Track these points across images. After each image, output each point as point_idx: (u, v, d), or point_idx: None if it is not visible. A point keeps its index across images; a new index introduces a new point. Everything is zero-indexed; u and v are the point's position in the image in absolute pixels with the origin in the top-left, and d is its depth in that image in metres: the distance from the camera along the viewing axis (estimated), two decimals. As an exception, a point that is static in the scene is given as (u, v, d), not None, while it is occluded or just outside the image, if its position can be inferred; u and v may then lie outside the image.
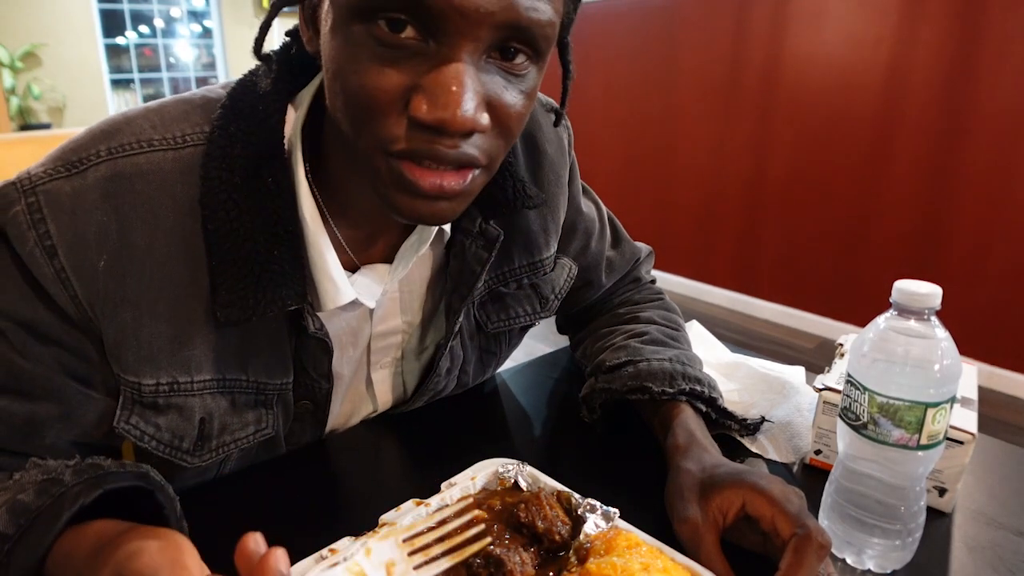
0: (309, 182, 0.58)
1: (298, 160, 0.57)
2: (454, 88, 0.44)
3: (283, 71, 0.58)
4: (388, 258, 0.65)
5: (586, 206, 0.83)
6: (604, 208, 0.87)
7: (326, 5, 0.48)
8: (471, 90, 0.45)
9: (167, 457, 0.58)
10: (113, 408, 0.56)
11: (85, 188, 0.51)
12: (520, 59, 0.48)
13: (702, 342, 0.94)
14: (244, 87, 0.58)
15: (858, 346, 0.53)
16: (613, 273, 0.88)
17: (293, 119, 0.58)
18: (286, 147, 0.57)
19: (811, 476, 0.67)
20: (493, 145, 0.50)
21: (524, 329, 0.80)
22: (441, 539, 0.47)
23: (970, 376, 0.68)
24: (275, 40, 0.59)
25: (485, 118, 0.47)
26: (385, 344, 0.71)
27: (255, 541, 0.36)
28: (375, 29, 0.44)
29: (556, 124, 0.70)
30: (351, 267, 0.63)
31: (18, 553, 0.44)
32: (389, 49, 0.44)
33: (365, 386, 0.73)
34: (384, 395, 0.75)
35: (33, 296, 0.51)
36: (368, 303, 0.64)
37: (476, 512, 0.51)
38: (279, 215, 0.55)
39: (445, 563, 0.46)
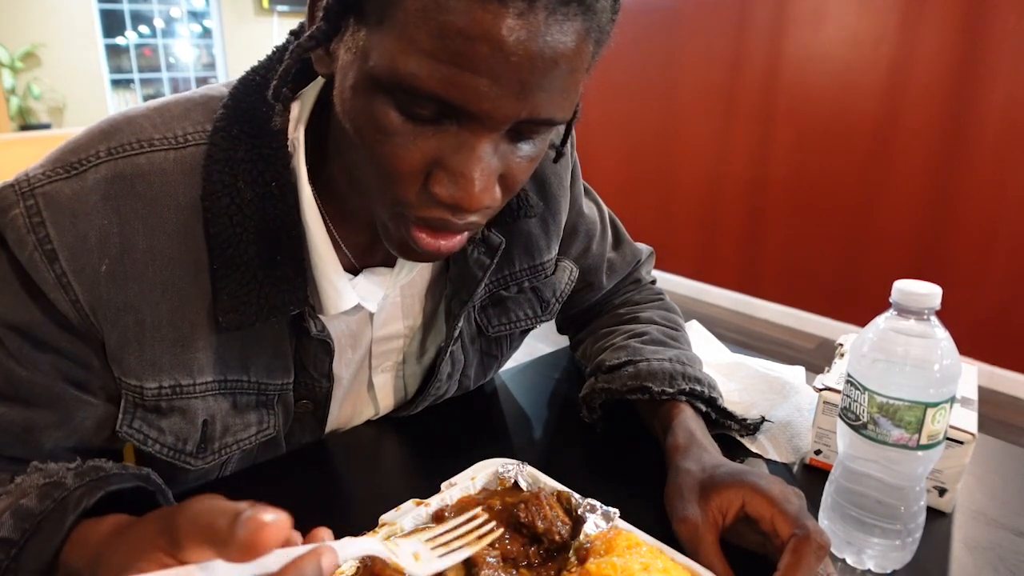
0: (312, 187, 0.57)
1: (301, 162, 0.56)
2: (476, 175, 0.45)
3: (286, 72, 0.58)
4: (389, 261, 0.65)
5: (588, 207, 0.82)
6: (605, 209, 0.87)
7: (348, 55, 0.46)
8: (489, 172, 0.46)
9: (170, 460, 0.58)
10: (112, 414, 0.55)
11: (85, 190, 0.50)
12: (538, 128, 0.48)
13: (702, 342, 0.94)
14: (246, 86, 0.56)
15: (858, 346, 0.53)
16: (614, 275, 0.87)
17: (295, 119, 0.57)
18: (289, 149, 0.56)
19: (811, 476, 0.67)
20: (498, 205, 0.51)
21: (525, 332, 0.80)
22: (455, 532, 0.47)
23: (970, 376, 0.68)
24: (275, 38, 0.58)
25: (498, 193, 0.48)
26: (386, 348, 0.71)
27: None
28: (400, 102, 0.44)
29: (555, 161, 0.67)
30: (352, 270, 0.63)
31: (25, 558, 0.44)
32: (413, 123, 0.44)
33: (366, 389, 0.73)
34: (385, 398, 0.75)
35: (31, 301, 0.51)
36: (370, 307, 0.64)
37: (476, 511, 0.51)
38: (282, 219, 0.55)
39: (465, 551, 0.46)
